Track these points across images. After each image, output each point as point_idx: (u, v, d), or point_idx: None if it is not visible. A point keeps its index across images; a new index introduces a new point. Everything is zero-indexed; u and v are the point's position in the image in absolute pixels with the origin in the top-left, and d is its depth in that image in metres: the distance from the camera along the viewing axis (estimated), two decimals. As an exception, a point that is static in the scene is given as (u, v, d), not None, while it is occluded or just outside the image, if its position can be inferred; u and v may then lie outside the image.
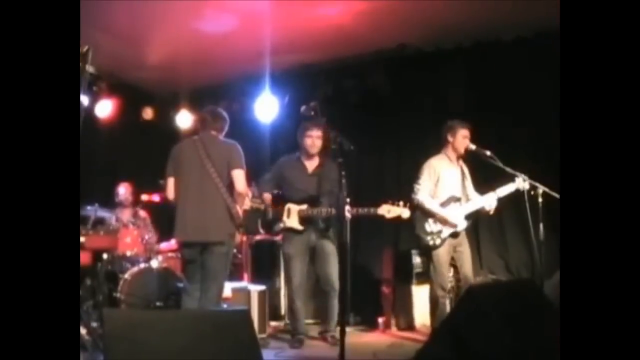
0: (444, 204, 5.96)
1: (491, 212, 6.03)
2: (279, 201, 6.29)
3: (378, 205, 5.94)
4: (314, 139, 6.25)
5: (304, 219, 6.17)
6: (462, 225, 5.94)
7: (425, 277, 6.54)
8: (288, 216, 6.20)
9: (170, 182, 5.51)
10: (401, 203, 5.90)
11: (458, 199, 6.01)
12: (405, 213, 5.90)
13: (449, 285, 6.15)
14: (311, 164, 6.36)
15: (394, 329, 7.04)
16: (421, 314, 6.87)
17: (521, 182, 5.77)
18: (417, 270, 7.04)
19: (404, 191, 6.15)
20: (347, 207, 5.63)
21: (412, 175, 6.13)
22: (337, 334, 5.91)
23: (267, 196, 6.31)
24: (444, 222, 5.91)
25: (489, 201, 5.94)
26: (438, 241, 5.91)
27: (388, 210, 5.91)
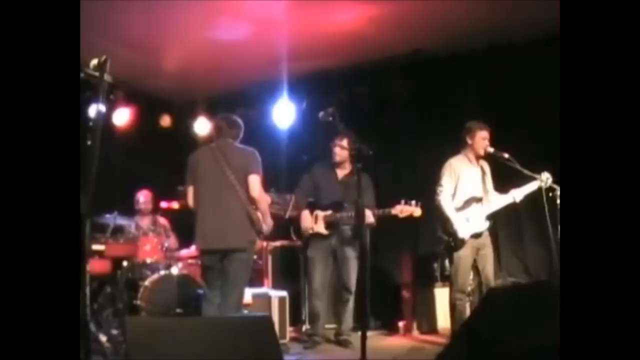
0: (465, 204, 5.92)
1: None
2: (311, 208, 6.47)
3: (392, 206, 6.07)
4: (339, 148, 6.39)
5: (329, 224, 6.33)
6: (483, 226, 5.91)
7: (446, 279, 6.54)
8: (316, 222, 6.36)
9: (191, 190, 5.52)
10: (413, 202, 6.01)
11: (479, 199, 5.96)
12: (417, 212, 6.02)
13: (469, 288, 6.13)
14: (341, 172, 6.54)
15: (415, 333, 7.05)
16: (443, 317, 6.87)
17: (543, 179, 5.67)
18: (437, 273, 7.05)
19: (420, 197, 6.14)
20: (368, 212, 5.84)
21: (429, 180, 6.12)
22: (352, 338, 6.17)
23: (306, 214, 6.44)
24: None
25: (508, 199, 5.88)
26: (458, 242, 5.90)
27: (401, 210, 6.03)
